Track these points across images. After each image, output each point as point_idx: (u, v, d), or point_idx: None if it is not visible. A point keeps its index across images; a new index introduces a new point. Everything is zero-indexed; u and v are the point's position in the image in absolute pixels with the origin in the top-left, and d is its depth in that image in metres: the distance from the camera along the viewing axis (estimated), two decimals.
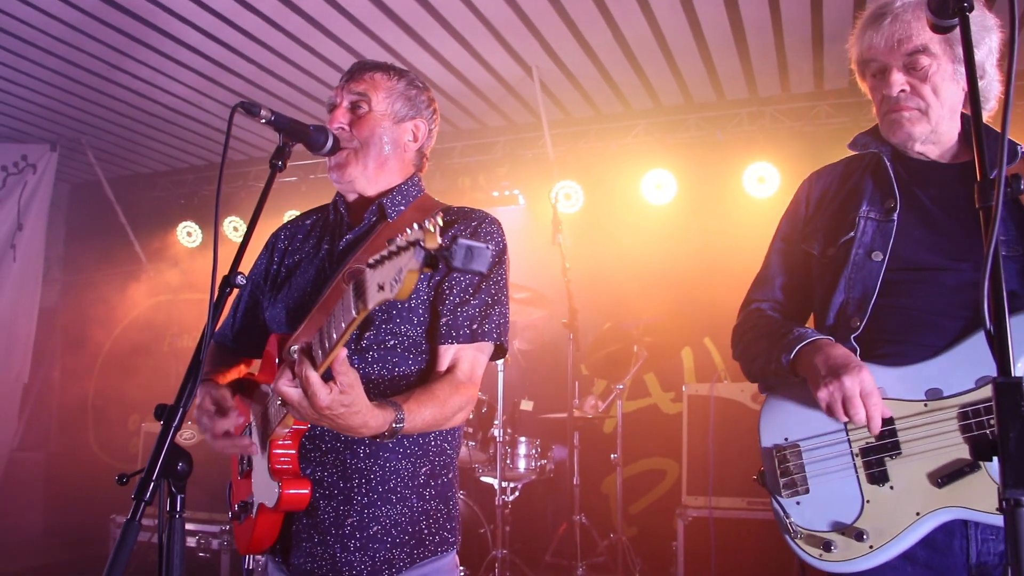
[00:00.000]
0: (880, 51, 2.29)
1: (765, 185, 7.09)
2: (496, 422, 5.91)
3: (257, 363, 2.62)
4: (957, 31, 2.25)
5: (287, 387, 1.87)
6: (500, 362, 6.02)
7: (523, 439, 6.19)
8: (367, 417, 1.95)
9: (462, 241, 1.55)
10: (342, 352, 1.81)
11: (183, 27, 6.27)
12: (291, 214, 7.53)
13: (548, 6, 5.94)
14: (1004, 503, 1.31)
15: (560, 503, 7.10)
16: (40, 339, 9.08)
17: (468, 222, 2.46)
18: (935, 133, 2.30)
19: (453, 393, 2.27)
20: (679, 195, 7.56)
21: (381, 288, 1.61)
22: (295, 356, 1.86)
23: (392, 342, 2.33)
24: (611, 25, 6.19)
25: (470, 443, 5.89)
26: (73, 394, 9.67)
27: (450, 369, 2.33)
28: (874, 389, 2.08)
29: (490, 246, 2.39)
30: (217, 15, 6.09)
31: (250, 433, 2.38)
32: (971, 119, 1.57)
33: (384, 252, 1.61)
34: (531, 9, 6.00)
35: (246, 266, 2.18)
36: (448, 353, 2.34)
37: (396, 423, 2.05)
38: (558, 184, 7.83)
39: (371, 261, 1.63)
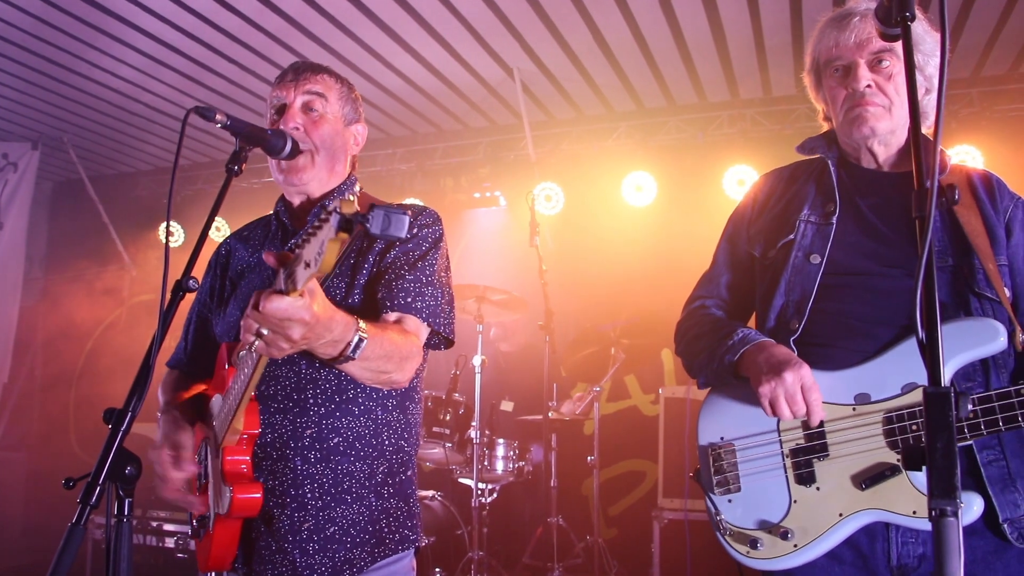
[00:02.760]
0: (848, 48, 2.33)
1: (745, 187, 7.06)
2: (473, 423, 5.91)
3: None
4: (923, 36, 2.30)
5: (247, 320, 1.80)
6: (478, 364, 6.03)
7: (501, 441, 6.18)
8: (329, 319, 1.87)
9: (379, 208, 1.57)
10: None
11: (163, 27, 6.26)
12: None
13: (528, 8, 5.95)
14: (931, 512, 1.32)
15: (538, 505, 7.09)
16: (22, 338, 9.04)
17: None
18: (892, 134, 2.34)
19: (403, 338, 2.22)
20: (659, 197, 7.58)
21: (307, 265, 1.61)
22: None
23: None
24: (591, 27, 6.20)
25: (447, 444, 5.88)
26: (55, 394, 9.61)
27: (396, 321, 2.29)
28: (814, 384, 2.11)
29: (424, 232, 2.43)
30: (197, 15, 6.08)
31: (206, 450, 2.38)
32: (910, 128, 1.59)
33: (308, 229, 1.62)
34: (512, 11, 6.01)
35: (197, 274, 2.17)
36: (389, 316, 2.30)
37: (358, 334, 1.99)
38: (539, 186, 7.84)
39: (297, 242, 1.64)
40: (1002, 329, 2.03)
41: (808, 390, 2.10)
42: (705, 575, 5.39)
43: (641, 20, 6.08)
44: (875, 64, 2.30)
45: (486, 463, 6.06)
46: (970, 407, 1.98)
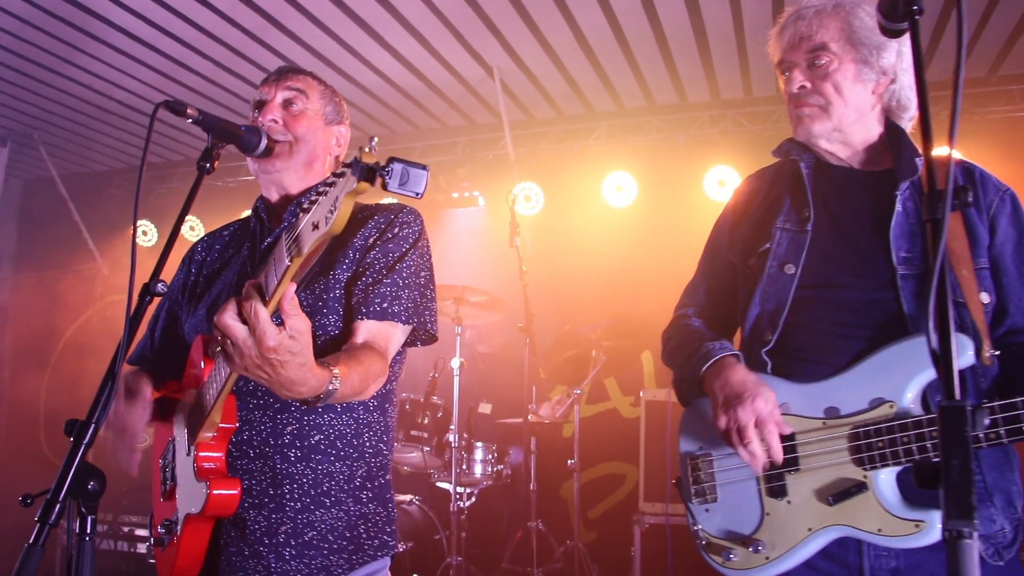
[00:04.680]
0: (785, 50, 2.35)
1: (726, 188, 7.07)
2: (452, 427, 5.83)
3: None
4: (858, 32, 2.26)
5: (232, 320, 1.70)
6: (456, 367, 5.96)
7: (480, 444, 6.11)
8: (308, 373, 1.81)
9: (398, 162, 1.52)
10: (290, 290, 1.69)
11: (136, 22, 6.14)
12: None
13: (509, 6, 5.88)
14: (946, 534, 1.25)
15: (517, 509, 7.03)
16: None
17: (387, 213, 2.44)
18: (839, 132, 2.30)
19: (374, 361, 2.18)
20: (640, 198, 7.54)
21: (316, 227, 1.55)
22: (244, 292, 1.73)
23: (323, 339, 2.28)
24: (572, 26, 6.14)
25: (425, 448, 5.81)
26: (24, 395, 9.45)
27: (366, 341, 2.25)
28: (767, 417, 2.09)
29: (404, 231, 2.41)
30: (171, 10, 5.97)
31: (172, 450, 2.29)
32: (920, 128, 1.54)
33: (319, 188, 1.55)
34: (492, 9, 5.94)
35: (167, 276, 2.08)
36: (361, 327, 2.26)
37: (331, 384, 1.93)
38: (518, 186, 7.77)
39: (304, 204, 1.59)
40: (969, 344, 1.95)
41: (762, 423, 2.09)
42: None
43: (623, 19, 6.03)
44: (812, 63, 2.28)
45: (464, 467, 6.00)
46: (919, 410, 1.96)
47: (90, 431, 1.71)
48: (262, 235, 2.50)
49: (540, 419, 6.36)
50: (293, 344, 1.72)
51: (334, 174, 1.53)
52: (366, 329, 2.26)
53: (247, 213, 2.66)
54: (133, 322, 1.81)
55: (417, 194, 1.54)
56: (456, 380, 5.94)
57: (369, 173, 1.48)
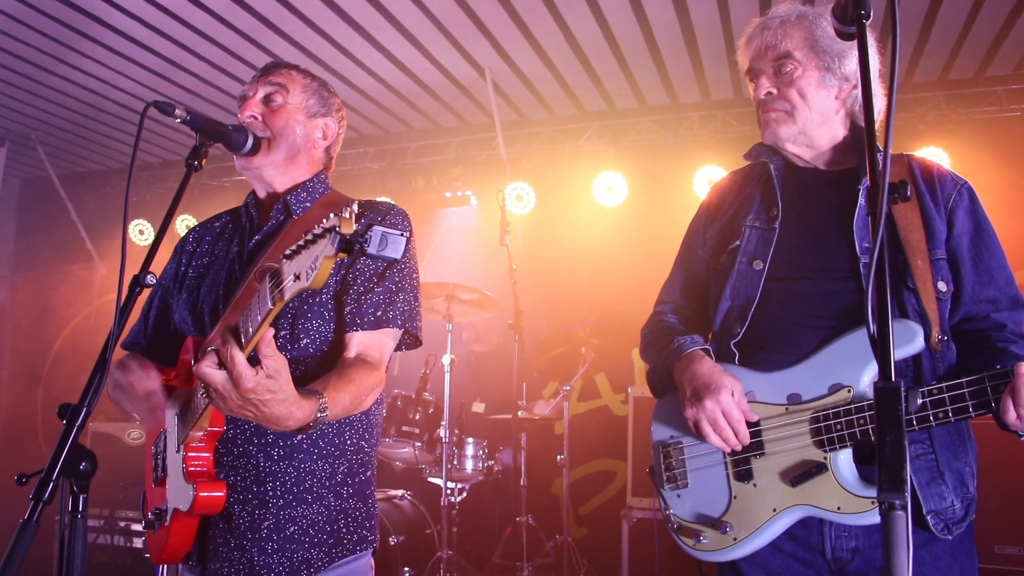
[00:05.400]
0: (753, 58, 2.45)
1: None
2: (443, 423, 5.91)
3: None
4: (820, 40, 2.36)
5: (210, 369, 1.78)
6: (447, 363, 6.03)
7: (471, 440, 6.18)
8: (293, 407, 1.88)
9: (377, 228, 1.58)
10: (268, 333, 1.76)
11: (133, 23, 6.21)
12: None
13: (500, 8, 5.95)
14: (880, 506, 1.34)
15: (508, 504, 7.10)
16: None
17: (376, 213, 2.47)
18: (804, 135, 2.41)
19: (366, 375, 2.24)
20: (630, 197, 7.61)
21: (297, 278, 1.61)
22: (220, 338, 1.81)
23: (305, 340, 2.33)
24: (563, 28, 6.21)
25: (416, 444, 5.87)
26: (22, 393, 9.52)
27: (358, 355, 2.31)
28: (733, 407, 2.21)
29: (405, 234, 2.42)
30: (167, 11, 6.04)
31: (164, 441, 2.36)
32: (864, 127, 1.61)
33: (300, 242, 1.61)
34: (483, 11, 6.01)
35: (156, 270, 2.15)
36: (354, 339, 2.32)
37: (320, 412, 2.00)
38: (510, 185, 7.84)
39: (287, 252, 1.64)
40: (919, 331, 2.08)
41: (728, 414, 2.21)
42: (673, 574, 5.41)
43: (612, 21, 6.10)
44: (778, 71, 2.38)
45: (455, 462, 6.06)
46: (919, 400, 2.02)
47: (82, 414, 1.79)
48: (251, 232, 2.53)
49: (531, 415, 6.43)
50: (271, 383, 1.79)
51: (315, 235, 1.58)
52: (359, 342, 2.31)
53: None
54: (123, 312, 1.89)
55: (395, 259, 1.61)
56: (447, 376, 6.01)
57: (347, 244, 1.53)
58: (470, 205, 8.36)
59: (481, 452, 6.18)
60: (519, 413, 6.23)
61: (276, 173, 2.51)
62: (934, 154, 6.43)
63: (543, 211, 7.95)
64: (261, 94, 2.51)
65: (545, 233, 7.93)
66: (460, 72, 7.08)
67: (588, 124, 7.97)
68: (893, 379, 1.40)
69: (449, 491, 5.95)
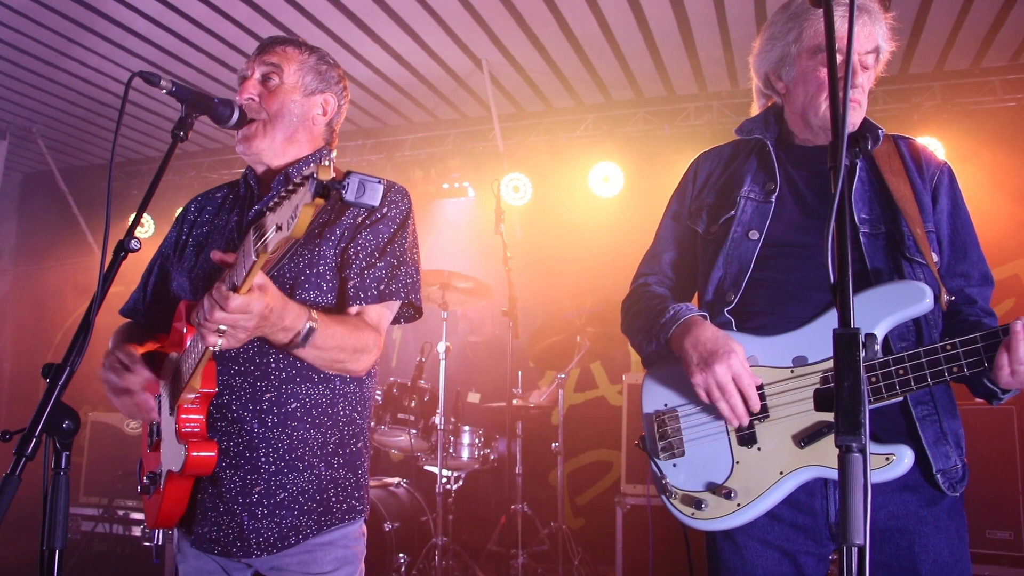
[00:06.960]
0: (859, 42, 2.30)
1: None
2: (438, 410, 5.94)
3: None
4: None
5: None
6: (442, 351, 6.05)
7: (466, 428, 6.22)
8: (283, 311, 2.03)
9: (355, 175, 1.60)
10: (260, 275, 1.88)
11: (132, 15, 6.25)
12: None
13: (496, 0, 5.99)
14: (838, 448, 1.37)
15: (504, 492, 7.13)
16: None
17: None
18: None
19: (363, 328, 2.31)
20: (626, 188, 7.66)
21: (279, 228, 1.64)
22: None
23: None
24: (559, 20, 6.25)
25: (412, 431, 5.90)
26: (23, 385, 9.57)
27: (358, 314, 2.37)
28: (745, 370, 2.18)
29: (393, 211, 2.47)
30: (165, 3, 6.08)
31: (159, 406, 2.40)
32: (830, 106, 1.66)
33: (281, 192, 1.64)
34: (480, 3, 6.05)
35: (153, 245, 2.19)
36: (355, 311, 2.38)
37: (310, 322, 2.10)
38: (507, 176, 7.90)
39: (270, 205, 1.68)
40: (929, 291, 2.11)
41: (739, 378, 2.17)
42: (666, 559, 5.43)
43: (608, 13, 6.14)
44: (864, 66, 2.33)
45: (451, 450, 6.10)
46: (879, 353, 2.07)
47: (65, 373, 1.83)
48: (251, 204, 2.56)
49: (525, 403, 6.46)
50: (252, 296, 1.89)
51: (293, 183, 1.62)
52: (356, 308, 2.38)
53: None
54: (107, 277, 1.92)
55: (372, 206, 1.64)
56: (442, 364, 6.05)
57: (324, 190, 1.55)
58: (467, 196, 8.40)
59: (477, 440, 6.21)
60: (514, 401, 6.25)
61: (274, 154, 2.54)
62: (930, 144, 6.44)
63: (540, 202, 8.01)
64: (258, 75, 2.53)
65: (542, 224, 7.98)
66: (457, 64, 7.12)
67: (585, 116, 7.99)
68: (852, 326, 1.43)
69: (445, 479, 5.98)
